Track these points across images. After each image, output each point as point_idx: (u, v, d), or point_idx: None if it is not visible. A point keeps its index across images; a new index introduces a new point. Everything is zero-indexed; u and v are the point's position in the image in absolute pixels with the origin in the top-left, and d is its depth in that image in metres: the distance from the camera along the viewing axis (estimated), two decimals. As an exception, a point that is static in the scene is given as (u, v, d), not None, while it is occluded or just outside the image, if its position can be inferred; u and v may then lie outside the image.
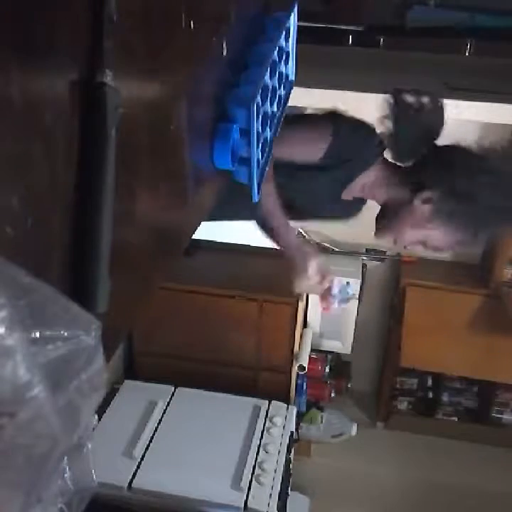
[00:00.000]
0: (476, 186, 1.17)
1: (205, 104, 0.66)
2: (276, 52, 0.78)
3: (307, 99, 1.73)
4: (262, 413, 2.36)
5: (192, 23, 0.56)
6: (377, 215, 1.37)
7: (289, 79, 0.92)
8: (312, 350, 2.68)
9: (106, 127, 0.40)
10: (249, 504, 1.99)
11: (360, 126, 1.30)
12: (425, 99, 1.26)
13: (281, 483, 2.11)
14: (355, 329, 2.76)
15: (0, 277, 0.27)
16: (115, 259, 0.43)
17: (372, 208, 1.38)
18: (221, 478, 2.06)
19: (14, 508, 0.31)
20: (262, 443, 2.23)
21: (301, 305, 2.48)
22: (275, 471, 2.15)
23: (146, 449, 2.16)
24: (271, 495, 2.05)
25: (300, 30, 0.89)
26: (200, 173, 0.69)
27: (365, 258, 2.84)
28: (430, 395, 3.14)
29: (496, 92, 1.72)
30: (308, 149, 1.27)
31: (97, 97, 0.39)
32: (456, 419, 3.10)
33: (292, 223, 1.38)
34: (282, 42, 0.82)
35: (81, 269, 0.41)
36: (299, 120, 1.38)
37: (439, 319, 2.67)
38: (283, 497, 2.12)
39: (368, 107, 1.85)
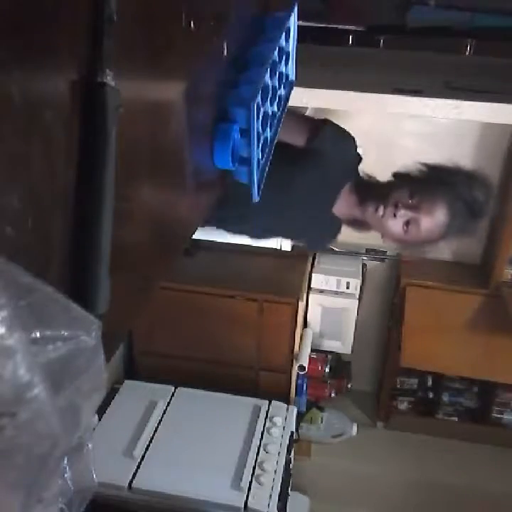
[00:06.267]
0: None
1: (205, 104, 0.66)
2: (276, 52, 0.78)
3: (307, 99, 1.73)
4: (262, 413, 2.36)
5: (192, 23, 0.56)
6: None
7: (289, 79, 0.92)
8: (312, 350, 2.68)
9: (106, 127, 0.40)
10: (249, 504, 1.99)
11: (347, 132, 1.45)
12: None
13: (281, 484, 2.11)
14: (355, 329, 2.76)
15: (0, 277, 0.27)
16: (115, 259, 0.43)
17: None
18: (221, 478, 2.06)
19: (15, 508, 0.31)
20: (262, 443, 2.23)
21: (301, 305, 2.48)
22: (275, 471, 2.14)
23: (146, 449, 2.16)
24: (271, 495, 2.04)
25: (300, 30, 0.89)
26: (201, 173, 0.69)
27: (365, 258, 2.84)
28: (430, 395, 3.14)
29: (496, 92, 1.72)
30: (295, 131, 1.38)
31: (97, 97, 0.39)
32: (456, 419, 3.10)
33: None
34: (282, 42, 0.82)
35: (81, 269, 0.41)
36: (295, 112, 1.53)
37: (439, 319, 2.67)
38: (283, 497, 2.12)
39: (369, 107, 1.86)
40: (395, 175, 1.43)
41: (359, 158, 1.47)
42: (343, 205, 1.44)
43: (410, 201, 1.30)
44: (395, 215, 1.30)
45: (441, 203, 1.30)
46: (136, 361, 2.75)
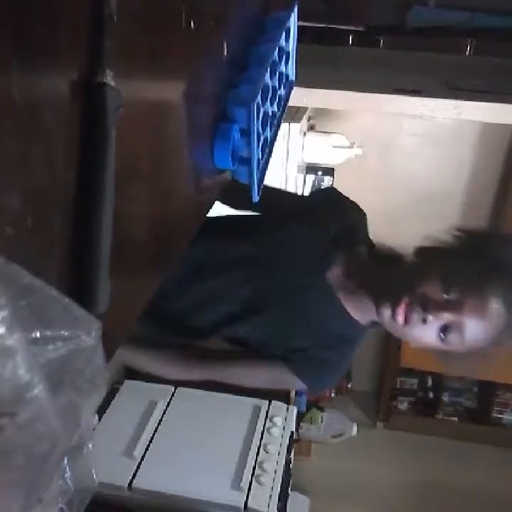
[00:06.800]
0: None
1: (205, 104, 0.66)
2: (276, 52, 0.78)
3: (307, 99, 1.73)
4: (262, 413, 2.36)
5: (192, 23, 0.56)
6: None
7: (289, 79, 0.92)
8: (312, 350, 2.67)
9: (106, 127, 0.39)
10: (249, 504, 1.98)
11: (346, 197, 1.13)
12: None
13: (281, 484, 2.11)
14: (355, 329, 2.76)
15: (0, 277, 0.27)
16: (115, 259, 0.43)
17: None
18: (221, 478, 2.06)
19: (15, 508, 0.31)
20: (262, 443, 2.23)
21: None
22: (275, 471, 2.14)
23: (146, 449, 2.16)
24: (271, 495, 2.04)
25: (300, 30, 0.89)
26: (201, 173, 0.69)
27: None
28: (430, 395, 3.14)
29: (496, 92, 1.72)
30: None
31: (97, 97, 0.39)
32: (456, 419, 3.10)
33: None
34: (282, 42, 0.82)
35: (81, 269, 0.41)
36: None
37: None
38: (283, 497, 2.11)
39: (369, 107, 1.86)
40: (419, 252, 0.98)
41: (364, 234, 1.09)
42: (347, 297, 0.99)
43: (446, 296, 0.86)
44: (424, 321, 0.86)
45: (493, 293, 0.86)
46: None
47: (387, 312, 0.89)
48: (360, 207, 1.11)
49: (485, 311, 0.86)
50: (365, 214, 1.11)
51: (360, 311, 0.99)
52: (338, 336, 1.00)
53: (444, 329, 0.87)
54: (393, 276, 0.95)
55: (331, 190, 1.21)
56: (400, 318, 0.88)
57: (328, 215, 1.07)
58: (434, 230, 0.96)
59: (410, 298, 0.88)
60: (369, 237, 1.09)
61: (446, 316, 0.86)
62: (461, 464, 2.92)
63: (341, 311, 0.99)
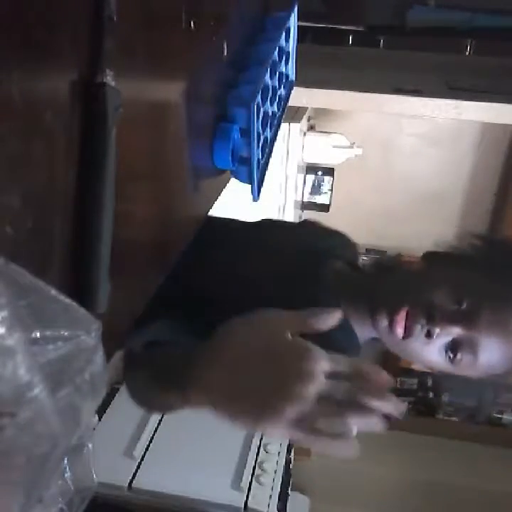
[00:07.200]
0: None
1: (205, 104, 0.66)
2: (276, 52, 0.78)
3: (307, 99, 1.73)
4: (262, 413, 2.36)
5: (192, 23, 0.56)
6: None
7: (289, 79, 0.92)
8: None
9: (106, 127, 0.39)
10: (249, 504, 1.98)
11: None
12: None
13: (282, 484, 2.11)
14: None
15: (0, 277, 0.27)
16: (115, 259, 0.43)
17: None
18: (221, 478, 2.06)
19: (15, 508, 0.31)
20: (262, 443, 2.23)
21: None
22: (275, 471, 2.14)
23: (146, 449, 2.16)
24: (271, 495, 2.04)
25: (300, 30, 0.89)
26: (201, 173, 0.69)
27: (365, 258, 2.84)
28: (430, 395, 3.14)
29: (496, 92, 1.72)
30: None
31: (97, 97, 0.39)
32: (456, 419, 3.10)
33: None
34: (282, 42, 0.82)
35: (81, 269, 0.41)
36: None
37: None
38: (283, 497, 2.11)
39: (369, 107, 1.86)
40: (428, 256, 0.86)
41: (352, 257, 0.99)
42: (347, 307, 0.80)
43: (457, 307, 0.72)
44: (429, 334, 0.71)
45: None
46: (136, 361, 2.75)
47: (383, 322, 0.74)
48: (350, 237, 1.03)
49: (505, 328, 0.70)
50: (353, 243, 1.03)
51: (358, 324, 0.84)
52: (335, 342, 0.83)
53: (453, 347, 0.72)
54: (394, 280, 0.81)
55: (315, 221, 1.09)
56: (399, 329, 0.72)
57: (314, 234, 1.00)
58: (441, 233, 0.85)
59: (413, 306, 0.73)
60: (357, 262, 1.00)
61: (456, 331, 0.71)
62: (461, 464, 2.92)
63: (343, 319, 0.85)
